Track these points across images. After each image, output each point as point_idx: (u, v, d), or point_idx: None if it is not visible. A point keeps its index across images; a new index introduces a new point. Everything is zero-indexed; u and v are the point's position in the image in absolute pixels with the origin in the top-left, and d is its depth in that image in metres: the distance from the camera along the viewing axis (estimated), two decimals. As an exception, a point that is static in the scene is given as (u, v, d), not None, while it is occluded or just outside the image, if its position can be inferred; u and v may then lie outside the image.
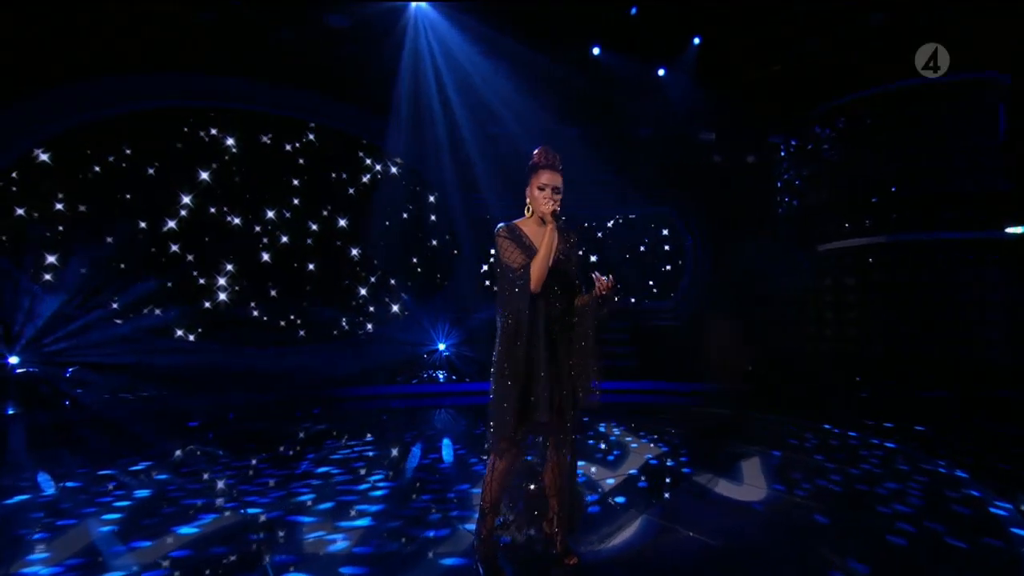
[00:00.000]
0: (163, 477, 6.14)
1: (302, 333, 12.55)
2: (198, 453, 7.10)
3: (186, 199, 11.85)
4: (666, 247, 14.98)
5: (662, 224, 15.01)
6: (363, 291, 13.20)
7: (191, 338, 11.80)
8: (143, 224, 11.61)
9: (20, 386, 10.25)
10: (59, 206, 11.15)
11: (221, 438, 7.90)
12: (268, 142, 12.48)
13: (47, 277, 10.95)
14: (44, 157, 11.05)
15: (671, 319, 14.30)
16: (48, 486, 5.92)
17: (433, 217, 13.83)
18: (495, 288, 4.01)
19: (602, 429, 8.24)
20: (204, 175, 11.99)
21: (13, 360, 10.49)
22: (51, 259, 10.98)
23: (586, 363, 3.97)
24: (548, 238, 3.86)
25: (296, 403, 10.47)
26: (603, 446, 7.28)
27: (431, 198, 13.82)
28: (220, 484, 5.89)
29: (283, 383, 11.30)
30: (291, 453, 7.04)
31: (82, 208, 11.25)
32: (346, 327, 12.95)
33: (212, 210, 12.04)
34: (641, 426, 8.36)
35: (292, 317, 12.46)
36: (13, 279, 10.72)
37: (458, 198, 13.48)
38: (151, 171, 11.63)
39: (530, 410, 3.86)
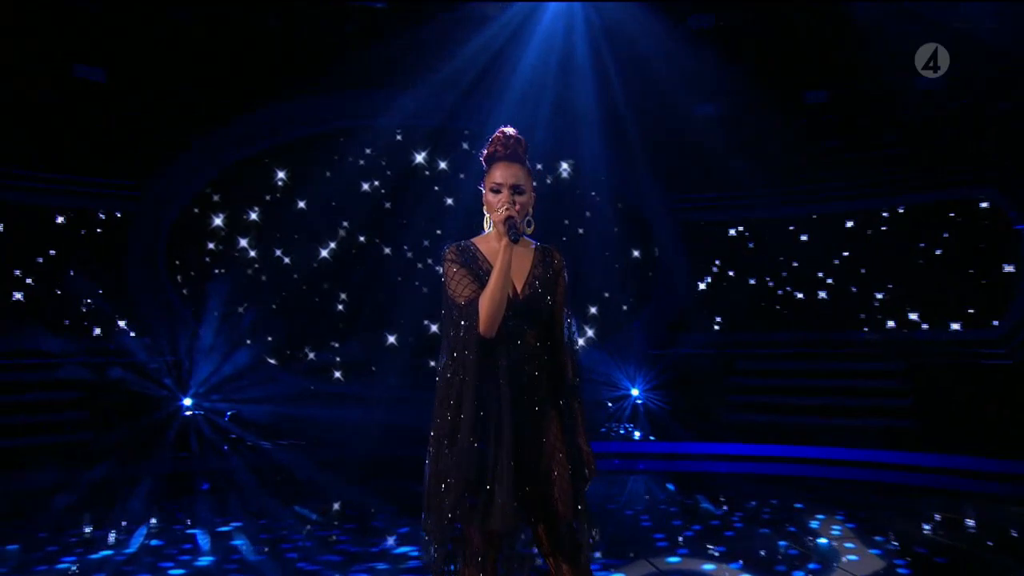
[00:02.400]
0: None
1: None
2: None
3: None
4: (980, 245, 10.35)
5: (971, 212, 10.53)
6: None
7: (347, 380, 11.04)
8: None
9: (193, 429, 10.06)
10: (243, 242, 10.89)
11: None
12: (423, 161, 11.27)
13: (218, 314, 10.60)
14: (216, 197, 10.86)
15: (993, 356, 10.03)
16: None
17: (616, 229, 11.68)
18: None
19: (814, 525, 5.96)
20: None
21: (187, 402, 10.21)
22: (227, 298, 10.67)
23: (574, 445, 2.96)
24: (501, 259, 2.89)
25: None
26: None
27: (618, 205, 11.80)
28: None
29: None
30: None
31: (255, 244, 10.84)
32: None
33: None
34: (905, 531, 5.79)
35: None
36: (187, 316, 10.51)
37: (657, 200, 11.14)
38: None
39: (487, 515, 2.78)
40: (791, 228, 11.49)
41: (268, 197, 11.07)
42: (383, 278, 11.23)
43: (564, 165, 11.67)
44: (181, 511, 7.21)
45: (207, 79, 10.15)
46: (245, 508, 7.22)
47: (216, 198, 10.96)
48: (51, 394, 9.58)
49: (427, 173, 11.39)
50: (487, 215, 3.02)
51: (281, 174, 11.07)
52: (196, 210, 10.86)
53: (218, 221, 10.86)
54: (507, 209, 2.90)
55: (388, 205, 11.38)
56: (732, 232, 11.90)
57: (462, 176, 11.18)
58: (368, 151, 11.21)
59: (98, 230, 10.56)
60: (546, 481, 2.88)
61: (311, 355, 11.11)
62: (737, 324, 11.52)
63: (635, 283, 11.69)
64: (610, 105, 10.54)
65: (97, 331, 10.35)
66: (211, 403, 10.23)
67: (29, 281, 10.10)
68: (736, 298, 11.48)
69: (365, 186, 11.30)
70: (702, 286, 11.83)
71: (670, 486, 8.22)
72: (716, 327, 11.72)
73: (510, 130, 3.06)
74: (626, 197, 11.79)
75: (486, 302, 2.85)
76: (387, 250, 11.38)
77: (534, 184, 3.05)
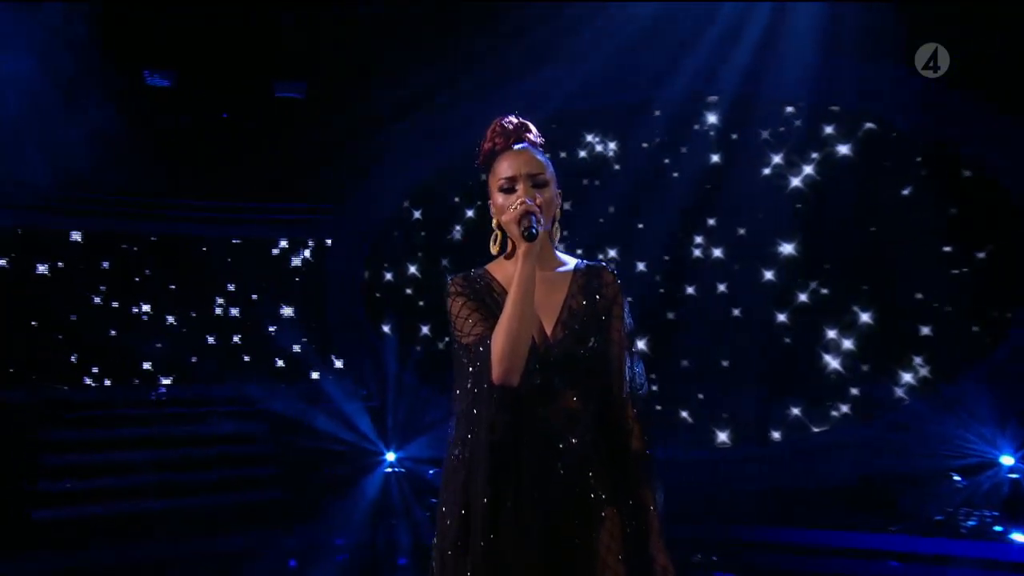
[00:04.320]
0: None
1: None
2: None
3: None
4: None
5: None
6: (832, 361, 8.62)
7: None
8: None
9: (395, 486, 8.60)
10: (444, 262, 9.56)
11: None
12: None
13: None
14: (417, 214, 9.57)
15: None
16: None
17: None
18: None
19: None
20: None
21: (390, 457, 8.88)
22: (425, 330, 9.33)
23: (641, 555, 2.16)
24: (519, 273, 2.12)
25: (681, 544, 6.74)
26: None
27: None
28: None
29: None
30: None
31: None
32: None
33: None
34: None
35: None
36: (389, 357, 9.27)
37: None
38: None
39: None
40: None
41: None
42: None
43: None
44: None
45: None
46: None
47: (417, 215, 9.77)
48: (242, 447, 8.70)
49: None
50: (495, 231, 2.31)
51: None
52: (396, 233, 9.72)
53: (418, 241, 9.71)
54: (524, 203, 2.18)
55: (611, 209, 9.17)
56: None
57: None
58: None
59: (299, 261, 9.77)
60: None
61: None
62: None
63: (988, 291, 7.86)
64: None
65: (296, 373, 9.48)
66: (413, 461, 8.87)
67: (231, 316, 9.38)
68: None
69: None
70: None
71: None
72: None
73: (512, 117, 2.36)
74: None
75: (500, 337, 2.12)
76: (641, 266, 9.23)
77: (557, 190, 2.32)
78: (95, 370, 9.10)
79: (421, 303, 9.62)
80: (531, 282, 2.12)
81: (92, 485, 7.97)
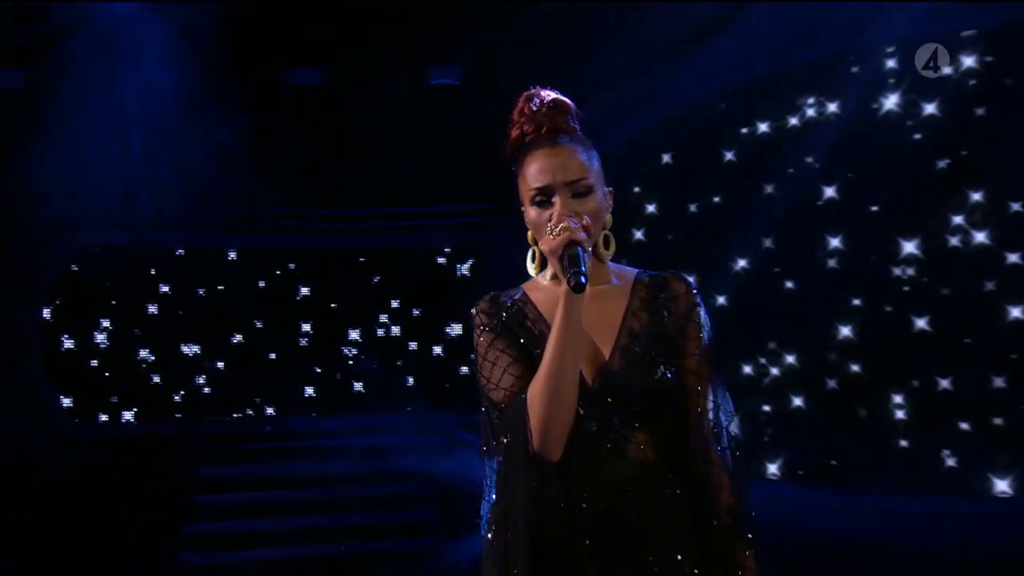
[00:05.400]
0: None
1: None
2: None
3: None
4: None
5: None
6: None
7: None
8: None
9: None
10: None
11: None
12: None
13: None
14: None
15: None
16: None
17: None
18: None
19: None
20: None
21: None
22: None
23: None
24: (559, 319, 1.73)
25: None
26: None
27: None
28: None
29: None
30: None
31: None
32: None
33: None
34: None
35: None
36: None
37: None
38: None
39: None
40: None
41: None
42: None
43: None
44: None
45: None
46: None
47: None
48: (401, 487, 7.68)
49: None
50: (532, 249, 1.89)
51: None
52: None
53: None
54: (566, 229, 1.71)
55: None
56: None
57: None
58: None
59: (466, 269, 8.80)
60: None
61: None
62: None
63: None
64: None
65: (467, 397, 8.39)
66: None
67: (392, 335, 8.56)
68: None
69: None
70: None
71: None
72: None
73: (545, 93, 1.88)
74: None
75: (538, 398, 1.72)
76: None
77: (607, 189, 1.87)
78: (257, 400, 8.51)
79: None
80: (575, 327, 1.71)
81: (251, 527, 7.20)
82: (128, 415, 8.15)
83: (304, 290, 8.60)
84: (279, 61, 7.73)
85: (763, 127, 7.42)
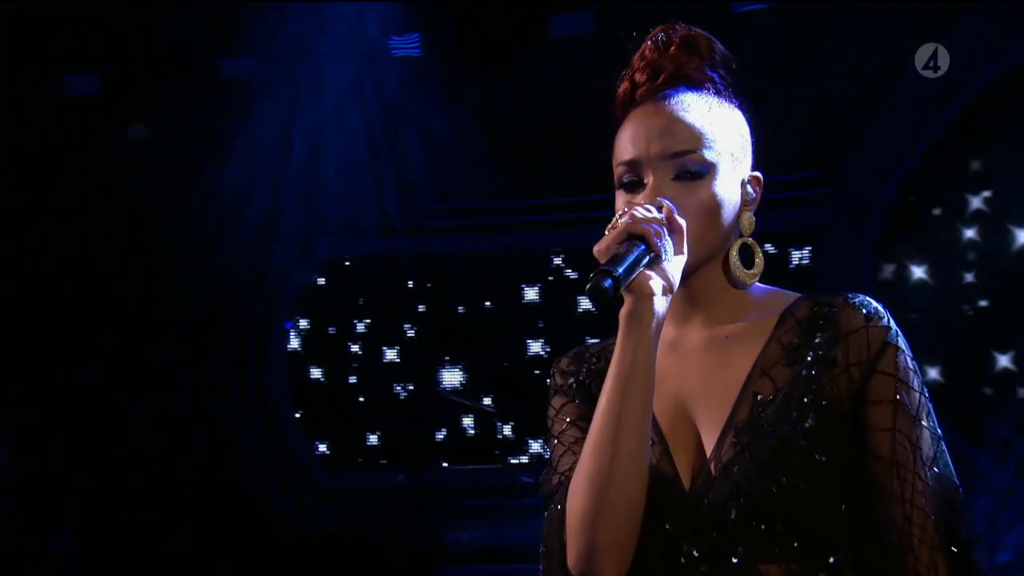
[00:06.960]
0: None
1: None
2: None
3: None
4: None
5: None
6: None
7: None
8: None
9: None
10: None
11: None
12: None
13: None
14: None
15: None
16: None
17: None
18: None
19: None
20: None
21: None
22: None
23: None
24: (617, 359, 1.13)
25: None
26: None
27: None
28: None
29: None
30: None
31: None
32: None
33: None
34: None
35: None
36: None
37: None
38: None
39: None
40: None
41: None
42: None
43: None
44: None
45: None
46: None
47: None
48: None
49: None
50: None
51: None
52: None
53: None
54: (633, 217, 1.15)
55: None
56: None
57: None
58: None
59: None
60: None
61: None
62: None
63: None
64: None
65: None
66: None
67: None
68: None
69: None
70: None
71: None
72: None
73: (680, 26, 1.30)
74: None
75: (577, 492, 1.18)
76: None
77: (751, 175, 1.31)
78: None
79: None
80: (641, 387, 1.15)
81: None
82: (384, 460, 6.83)
83: (585, 302, 6.78)
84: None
85: None
